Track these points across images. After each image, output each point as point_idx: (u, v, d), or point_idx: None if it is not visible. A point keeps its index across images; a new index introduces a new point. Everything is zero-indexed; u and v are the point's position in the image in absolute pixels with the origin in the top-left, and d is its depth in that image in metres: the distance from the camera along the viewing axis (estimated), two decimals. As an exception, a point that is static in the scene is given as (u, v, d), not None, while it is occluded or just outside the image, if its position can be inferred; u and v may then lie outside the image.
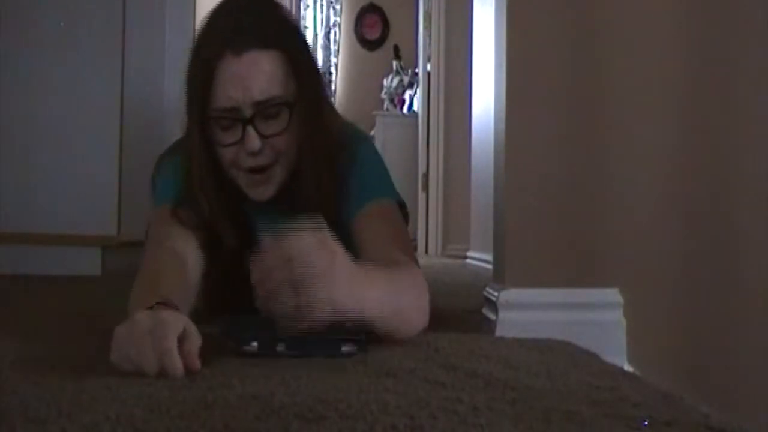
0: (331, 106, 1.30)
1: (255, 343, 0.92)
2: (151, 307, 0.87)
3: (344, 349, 0.93)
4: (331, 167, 1.20)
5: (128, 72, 2.55)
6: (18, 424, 0.60)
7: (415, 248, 5.13)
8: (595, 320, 1.34)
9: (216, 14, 1.19)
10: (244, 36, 1.13)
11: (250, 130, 1.12)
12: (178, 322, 0.83)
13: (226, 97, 1.11)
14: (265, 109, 1.13)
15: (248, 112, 1.12)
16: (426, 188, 4.97)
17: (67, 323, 1.18)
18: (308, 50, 1.23)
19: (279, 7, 1.23)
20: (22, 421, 0.61)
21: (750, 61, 1.48)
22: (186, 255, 1.13)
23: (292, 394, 0.71)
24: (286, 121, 1.14)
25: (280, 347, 0.92)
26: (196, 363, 0.81)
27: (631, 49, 1.43)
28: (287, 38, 1.18)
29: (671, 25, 1.46)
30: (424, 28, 5.11)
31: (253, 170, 1.15)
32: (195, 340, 0.83)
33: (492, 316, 1.37)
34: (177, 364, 0.79)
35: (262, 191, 1.18)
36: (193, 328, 0.85)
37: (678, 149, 1.46)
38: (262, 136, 1.13)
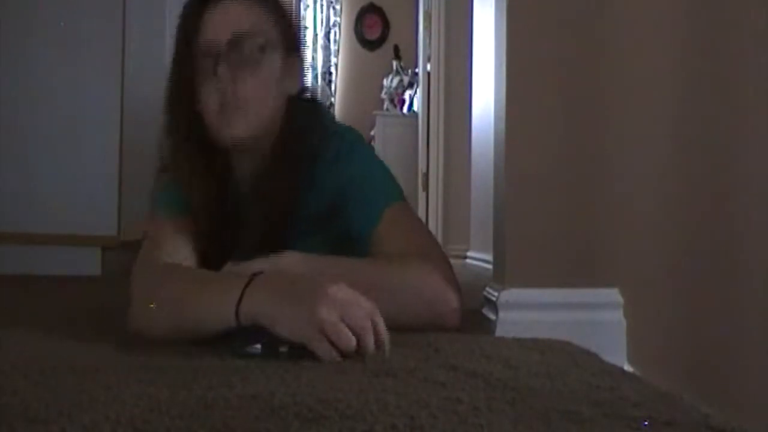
0: (311, 90, 1.39)
1: (258, 346, 0.93)
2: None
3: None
4: (308, 149, 1.24)
5: (128, 72, 2.55)
6: (18, 424, 0.60)
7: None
8: (595, 320, 1.34)
9: None
10: None
11: (223, 65, 1.17)
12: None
13: (205, 37, 1.19)
14: (240, 43, 1.18)
15: (222, 47, 1.18)
16: (426, 188, 4.97)
17: (67, 323, 1.18)
18: (291, 13, 1.33)
19: None
20: (22, 421, 0.61)
21: (750, 62, 1.48)
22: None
23: (292, 394, 0.71)
24: (260, 56, 1.20)
25: (283, 349, 0.92)
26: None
27: (631, 50, 1.43)
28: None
29: (671, 26, 1.46)
30: (424, 28, 5.11)
31: (222, 105, 1.18)
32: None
33: (492, 316, 1.37)
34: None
35: (236, 123, 1.18)
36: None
37: (678, 149, 1.46)
38: (234, 68, 1.17)
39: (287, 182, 1.23)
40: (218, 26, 1.19)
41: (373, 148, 1.37)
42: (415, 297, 1.10)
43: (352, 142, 1.30)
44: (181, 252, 1.18)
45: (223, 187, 1.24)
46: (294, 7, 5.91)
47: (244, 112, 1.19)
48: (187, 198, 1.22)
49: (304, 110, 1.30)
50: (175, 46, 1.25)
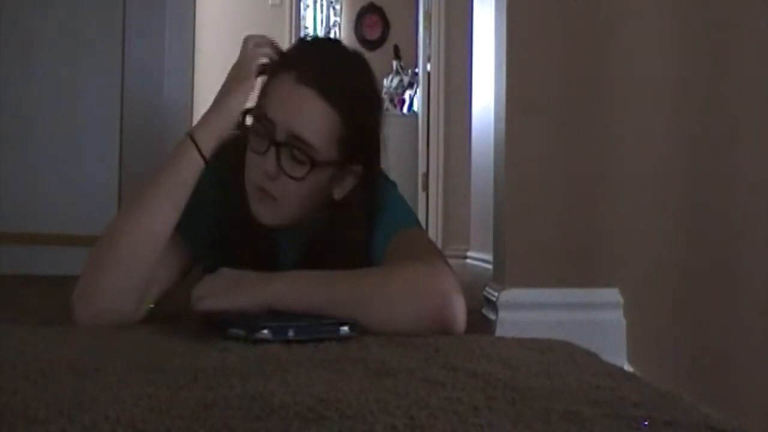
0: (381, 177, 1.29)
1: (266, 331, 0.97)
2: None
3: (342, 329, 1.02)
4: (362, 227, 1.22)
5: (128, 72, 2.55)
6: (18, 424, 0.60)
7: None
8: (595, 320, 1.34)
9: (313, 40, 1.29)
10: (317, 74, 1.15)
11: (272, 152, 1.14)
12: None
13: (269, 108, 1.16)
14: (293, 147, 1.14)
15: (280, 137, 1.14)
16: (426, 188, 4.97)
17: (67, 323, 1.18)
18: (372, 126, 1.23)
19: (367, 75, 1.25)
20: (22, 421, 0.61)
21: (750, 61, 1.48)
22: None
23: (292, 394, 0.71)
24: (304, 173, 1.15)
25: (291, 333, 0.98)
26: None
27: (631, 49, 1.43)
28: (354, 107, 1.18)
29: (671, 26, 1.46)
30: (424, 28, 5.11)
31: (262, 189, 1.17)
32: None
33: (492, 316, 1.37)
34: None
35: (263, 213, 1.18)
36: None
37: (678, 149, 1.46)
38: (279, 168, 1.14)
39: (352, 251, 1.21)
40: (282, 110, 1.15)
41: (394, 184, 1.34)
42: (420, 299, 1.09)
43: (387, 188, 1.30)
44: (159, 275, 1.18)
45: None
46: (294, 8, 5.88)
47: (273, 206, 1.18)
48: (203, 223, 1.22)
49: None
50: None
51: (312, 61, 1.18)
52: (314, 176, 1.16)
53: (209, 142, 1.16)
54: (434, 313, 1.08)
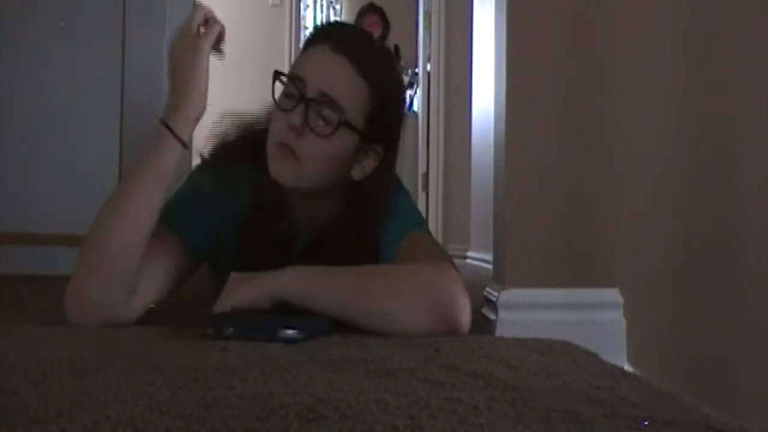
0: (393, 175, 1.32)
1: (210, 330, 1.02)
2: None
3: (285, 333, 1.01)
4: (374, 222, 1.23)
5: (128, 72, 2.55)
6: (18, 424, 0.60)
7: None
8: (595, 320, 1.34)
9: (346, 23, 1.28)
10: (352, 46, 1.19)
11: (301, 107, 1.16)
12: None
13: (300, 69, 1.18)
14: (323, 104, 1.16)
15: (310, 94, 1.16)
16: (426, 188, 4.97)
17: (66, 323, 1.18)
18: (397, 111, 1.28)
19: (396, 65, 1.31)
20: (22, 421, 0.61)
21: (750, 61, 1.48)
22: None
23: (292, 394, 0.71)
24: (330, 131, 1.16)
25: (228, 332, 1.01)
26: None
27: (631, 49, 1.43)
28: (384, 86, 1.22)
29: (671, 25, 1.46)
30: (424, 28, 5.11)
31: (283, 144, 1.18)
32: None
33: (492, 316, 1.37)
34: None
35: (280, 169, 1.18)
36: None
37: (678, 149, 1.46)
38: (306, 123, 1.16)
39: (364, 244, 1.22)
40: (315, 71, 1.17)
41: (406, 191, 1.35)
42: (425, 298, 1.09)
43: (398, 191, 1.31)
44: (151, 273, 1.17)
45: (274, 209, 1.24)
46: (294, 8, 5.88)
47: (294, 165, 1.18)
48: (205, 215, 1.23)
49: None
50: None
51: (348, 36, 1.23)
52: (338, 139, 1.17)
53: (187, 130, 1.16)
54: (439, 313, 1.08)
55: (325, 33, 1.23)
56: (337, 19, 6.66)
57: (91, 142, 2.47)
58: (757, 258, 1.46)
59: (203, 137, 1.29)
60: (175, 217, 1.21)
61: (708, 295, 1.45)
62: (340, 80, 1.17)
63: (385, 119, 1.22)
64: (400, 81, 1.33)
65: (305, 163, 1.18)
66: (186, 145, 1.17)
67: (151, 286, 1.18)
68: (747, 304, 1.46)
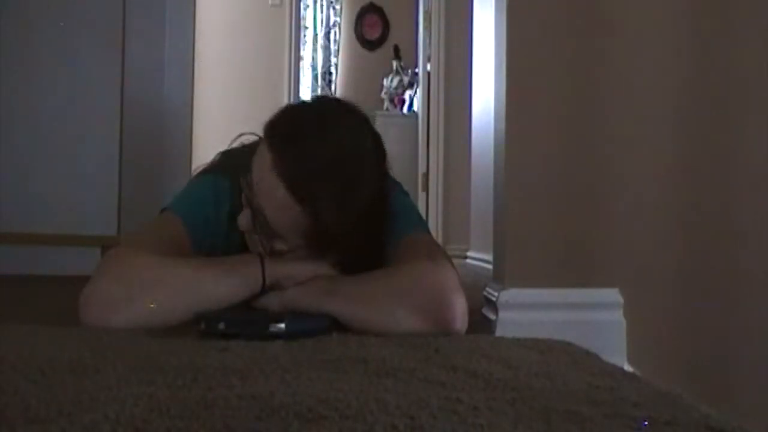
0: (394, 184, 1.25)
1: (202, 325, 1.03)
2: None
3: (273, 328, 1.01)
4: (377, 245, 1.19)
5: (128, 72, 2.55)
6: (18, 424, 0.60)
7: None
8: (595, 320, 1.34)
9: (304, 107, 1.19)
10: (289, 162, 1.08)
11: (248, 212, 1.12)
12: None
13: (253, 174, 1.12)
14: (264, 222, 1.11)
15: (255, 206, 1.11)
16: (426, 188, 4.97)
17: (66, 323, 1.18)
18: (347, 222, 1.11)
19: (359, 152, 1.13)
20: (22, 421, 0.61)
21: (750, 62, 1.48)
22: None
23: (292, 394, 0.71)
24: (268, 247, 1.13)
25: (221, 326, 1.02)
26: None
27: (631, 49, 1.43)
28: (323, 206, 1.08)
29: (671, 25, 1.46)
30: (424, 28, 5.11)
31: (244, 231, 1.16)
32: None
33: (492, 316, 1.37)
34: None
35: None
36: None
37: (678, 149, 1.46)
38: (254, 229, 1.13)
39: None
40: (259, 188, 1.10)
41: (406, 194, 1.33)
42: (420, 295, 1.09)
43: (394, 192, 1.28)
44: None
45: None
46: (294, 8, 5.87)
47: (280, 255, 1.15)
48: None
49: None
50: None
51: (289, 147, 1.09)
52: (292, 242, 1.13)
53: (273, 277, 1.13)
54: (431, 311, 1.08)
55: (273, 139, 1.11)
56: (337, 19, 6.65)
57: (91, 143, 2.47)
58: (756, 258, 1.46)
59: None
60: (188, 214, 1.22)
61: (708, 295, 1.45)
62: (274, 204, 1.09)
63: (329, 237, 1.11)
64: (361, 171, 1.12)
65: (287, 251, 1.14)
66: (264, 290, 1.13)
67: None
68: (747, 304, 1.46)
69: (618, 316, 1.36)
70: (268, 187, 1.09)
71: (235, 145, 1.28)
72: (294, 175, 1.07)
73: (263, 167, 1.09)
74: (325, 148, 1.09)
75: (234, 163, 1.23)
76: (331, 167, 1.09)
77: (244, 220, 1.14)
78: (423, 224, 1.30)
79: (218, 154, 1.34)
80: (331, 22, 6.69)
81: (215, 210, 1.24)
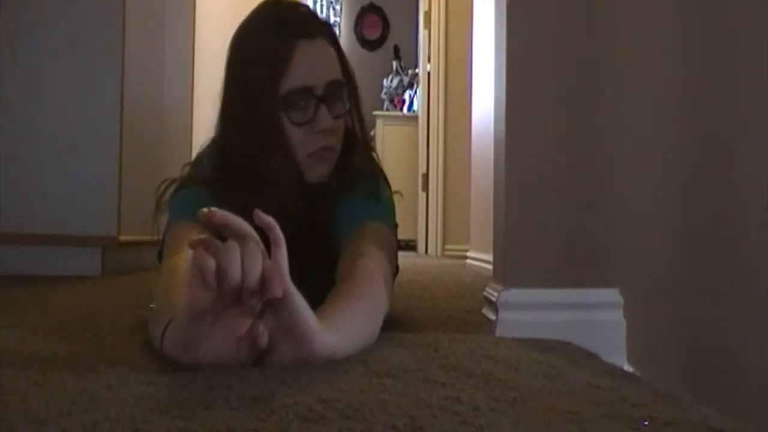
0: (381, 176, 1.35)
1: None
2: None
3: None
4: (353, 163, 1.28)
5: (128, 72, 2.55)
6: (18, 424, 0.60)
7: (415, 248, 5.13)
8: (595, 320, 1.34)
9: (271, 7, 1.27)
10: (312, 25, 1.23)
11: (323, 108, 1.19)
12: None
13: (302, 78, 1.19)
14: (333, 91, 1.21)
15: (320, 92, 1.19)
16: (426, 188, 4.97)
17: (67, 323, 1.18)
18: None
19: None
20: (22, 421, 0.61)
21: (750, 61, 1.48)
22: None
23: (292, 394, 0.71)
24: (347, 105, 1.24)
25: None
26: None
27: (632, 49, 1.43)
28: (336, 38, 1.30)
29: (672, 25, 1.46)
30: (424, 28, 5.11)
31: (323, 148, 1.21)
32: None
33: (492, 316, 1.37)
34: None
35: (322, 170, 1.23)
36: None
37: (678, 149, 1.46)
38: (334, 118, 1.21)
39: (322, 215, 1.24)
40: (314, 70, 1.20)
41: (390, 190, 1.35)
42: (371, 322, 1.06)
43: (378, 182, 1.31)
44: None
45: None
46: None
47: (331, 157, 1.23)
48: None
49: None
50: (248, 76, 1.20)
51: (302, 16, 1.25)
52: (345, 111, 1.25)
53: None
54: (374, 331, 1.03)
55: (290, 27, 1.22)
56: (337, 19, 6.66)
57: (90, 143, 2.47)
58: (757, 258, 1.46)
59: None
60: (191, 213, 1.22)
61: (708, 295, 1.45)
62: (331, 62, 1.23)
63: (348, 67, 1.29)
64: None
65: (337, 148, 1.24)
66: None
67: None
68: (747, 304, 1.46)
69: (618, 316, 1.36)
70: (319, 52, 1.21)
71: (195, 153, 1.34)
72: (320, 24, 1.25)
73: (308, 51, 1.19)
74: (314, 13, 1.31)
75: (203, 174, 1.24)
76: (326, 21, 1.33)
77: (325, 120, 1.19)
78: (391, 215, 1.29)
79: (185, 165, 1.32)
80: (331, 22, 6.70)
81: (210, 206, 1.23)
